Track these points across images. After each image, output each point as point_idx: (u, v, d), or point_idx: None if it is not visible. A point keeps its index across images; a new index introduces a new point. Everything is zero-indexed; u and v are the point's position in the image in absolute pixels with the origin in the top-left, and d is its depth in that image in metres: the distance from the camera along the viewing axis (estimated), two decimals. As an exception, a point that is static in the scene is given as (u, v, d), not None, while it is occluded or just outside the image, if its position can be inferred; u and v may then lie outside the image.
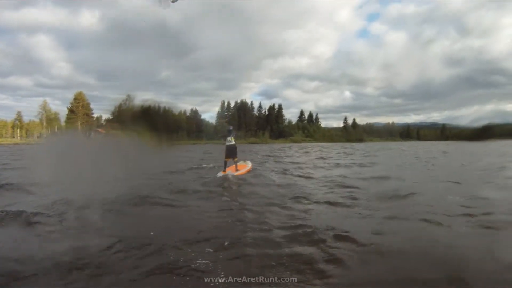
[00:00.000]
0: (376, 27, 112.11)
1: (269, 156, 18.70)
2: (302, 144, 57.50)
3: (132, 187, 6.04)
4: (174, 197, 5.52)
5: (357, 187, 6.49)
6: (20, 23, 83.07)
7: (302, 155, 19.90)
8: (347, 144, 52.39)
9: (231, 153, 8.51)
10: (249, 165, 9.56)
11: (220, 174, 8.16)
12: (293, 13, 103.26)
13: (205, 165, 11.24)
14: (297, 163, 13.28)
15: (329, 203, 5.02)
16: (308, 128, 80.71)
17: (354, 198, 5.38)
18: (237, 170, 8.55)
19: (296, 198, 5.36)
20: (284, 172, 9.45)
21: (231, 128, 9.09)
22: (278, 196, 5.60)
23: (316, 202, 5.10)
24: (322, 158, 16.55)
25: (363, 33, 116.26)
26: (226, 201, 5.31)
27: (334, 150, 28.57)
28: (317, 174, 9.22)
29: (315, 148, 33.12)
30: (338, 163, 12.89)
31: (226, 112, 79.35)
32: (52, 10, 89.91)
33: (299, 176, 8.64)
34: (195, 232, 3.49)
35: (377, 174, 8.82)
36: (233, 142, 8.56)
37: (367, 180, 7.69)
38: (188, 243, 3.15)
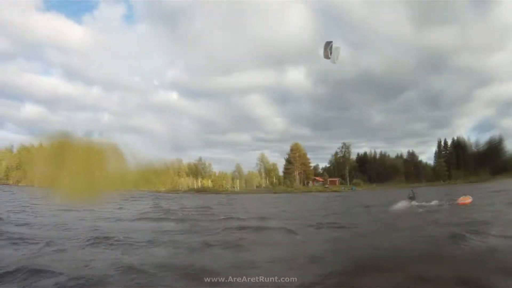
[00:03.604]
0: None
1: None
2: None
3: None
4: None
5: None
6: (231, 86, 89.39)
7: None
8: None
9: None
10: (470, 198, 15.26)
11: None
12: (492, 36, 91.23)
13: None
14: None
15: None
16: (534, 159, 67.12)
17: None
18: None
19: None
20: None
21: None
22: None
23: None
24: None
25: None
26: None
27: None
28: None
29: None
30: None
31: (444, 151, 79.54)
32: (260, 72, 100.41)
33: None
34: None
35: None
36: None
37: None
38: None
